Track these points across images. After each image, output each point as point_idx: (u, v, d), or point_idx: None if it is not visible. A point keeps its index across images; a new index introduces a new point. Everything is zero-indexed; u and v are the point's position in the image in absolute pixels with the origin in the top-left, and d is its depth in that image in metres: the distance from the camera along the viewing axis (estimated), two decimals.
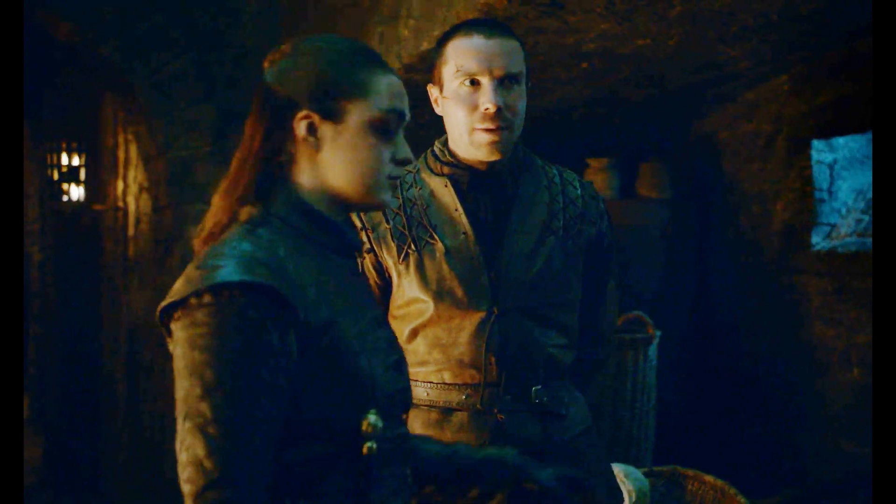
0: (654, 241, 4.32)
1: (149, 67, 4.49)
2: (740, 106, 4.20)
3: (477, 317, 1.80)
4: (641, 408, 3.55)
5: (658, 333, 3.64)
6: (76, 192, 5.77)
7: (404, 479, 1.37)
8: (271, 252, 1.24)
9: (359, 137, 1.32)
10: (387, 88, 1.34)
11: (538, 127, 4.28)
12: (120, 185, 5.90)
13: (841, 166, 3.90)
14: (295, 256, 1.27)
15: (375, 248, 1.86)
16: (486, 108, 1.78)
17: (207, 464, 1.14)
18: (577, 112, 4.21)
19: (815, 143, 3.85)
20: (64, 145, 5.73)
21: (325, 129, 1.32)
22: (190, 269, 1.24)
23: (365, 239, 1.86)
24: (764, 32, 3.18)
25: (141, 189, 5.44)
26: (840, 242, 3.80)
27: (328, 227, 1.34)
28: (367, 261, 1.87)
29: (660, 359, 3.78)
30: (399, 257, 1.84)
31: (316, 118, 1.32)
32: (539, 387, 1.84)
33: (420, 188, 1.88)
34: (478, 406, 1.81)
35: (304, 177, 1.34)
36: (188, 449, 1.15)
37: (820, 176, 3.87)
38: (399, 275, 1.84)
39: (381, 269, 1.87)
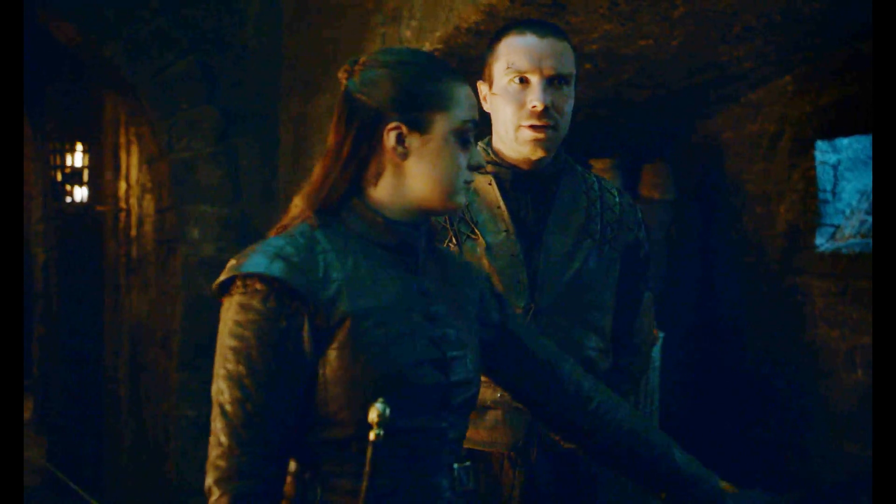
0: (657, 243, 4.31)
1: (151, 68, 4.49)
2: (744, 107, 4.19)
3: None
4: (644, 410, 3.53)
5: (661, 335, 3.63)
6: (79, 194, 5.78)
7: (448, 471, 1.44)
8: (304, 249, 1.35)
9: (443, 146, 1.42)
10: (466, 100, 1.44)
11: None
12: (123, 186, 5.91)
13: (845, 167, 3.88)
14: (330, 254, 1.36)
15: None
16: (534, 106, 1.81)
17: (223, 438, 1.29)
18: (580, 113, 4.17)
19: (819, 143, 3.83)
20: (67, 146, 5.74)
21: (413, 139, 1.41)
22: (232, 259, 1.37)
23: None
24: (767, 33, 3.17)
25: (144, 190, 5.44)
26: (844, 244, 3.78)
27: (384, 228, 1.42)
28: None
29: (663, 360, 3.76)
30: None
31: (404, 129, 1.41)
32: None
33: None
34: (514, 404, 1.79)
35: (384, 185, 1.42)
36: (213, 420, 1.31)
37: (824, 177, 3.85)
38: None
39: None
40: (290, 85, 4.72)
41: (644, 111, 4.22)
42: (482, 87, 1.91)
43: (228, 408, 1.29)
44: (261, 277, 1.31)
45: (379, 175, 1.42)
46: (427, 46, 3.28)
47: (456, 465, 1.46)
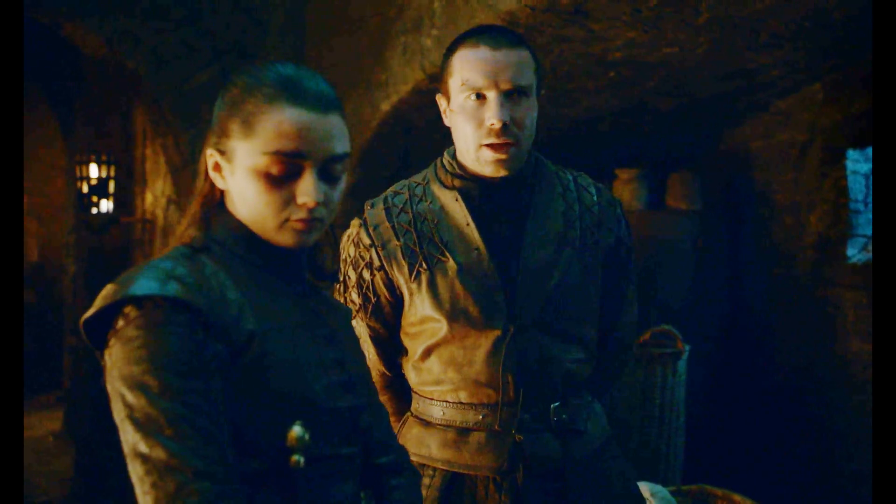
0: (684, 254, 4.24)
1: (175, 79, 4.50)
2: (773, 115, 4.12)
3: (493, 335, 1.74)
4: (670, 424, 3.46)
5: (687, 348, 3.56)
6: (105, 205, 5.81)
7: (354, 501, 1.31)
8: (194, 269, 1.22)
9: (245, 181, 1.25)
10: (275, 127, 1.22)
11: (565, 138, 4.23)
12: (148, 197, 5.93)
13: None
14: (223, 275, 1.24)
15: (385, 265, 1.81)
16: (492, 124, 1.71)
17: (175, 464, 1.10)
18: (605, 122, 4.15)
19: (850, 152, 3.76)
20: (94, 158, 5.78)
21: (225, 167, 1.28)
22: (108, 285, 1.20)
23: (374, 256, 1.82)
24: (796, 40, 3.10)
25: (168, 201, 5.46)
26: None
27: (270, 254, 1.30)
28: (378, 278, 1.82)
29: (689, 374, 3.69)
30: (410, 276, 1.78)
31: (217, 155, 1.28)
32: (558, 404, 1.77)
33: (430, 202, 1.82)
34: (495, 427, 1.75)
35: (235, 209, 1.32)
36: (146, 460, 1.11)
37: (855, 186, 3.78)
38: (411, 293, 1.79)
39: (391, 287, 1.82)
40: None
41: (670, 120, 4.17)
42: (441, 102, 1.82)
43: (169, 431, 1.10)
44: (155, 301, 1.15)
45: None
46: None
47: (362, 494, 1.35)
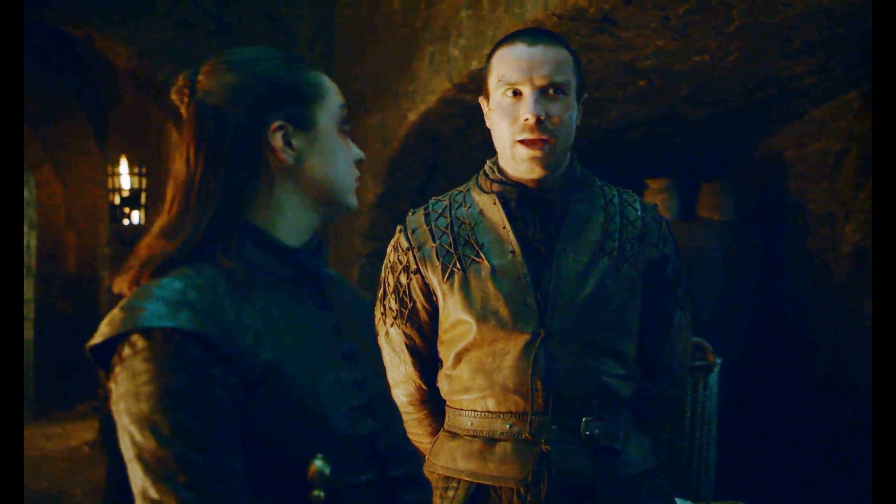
0: (715, 265, 4.18)
1: None
2: (807, 124, 4.05)
3: (522, 339, 1.70)
4: (701, 439, 3.39)
5: (719, 361, 3.49)
6: (137, 216, 5.85)
7: None
8: (207, 291, 1.13)
9: (331, 140, 1.26)
10: (331, 83, 1.29)
11: (595, 148, 4.18)
12: None
13: None
14: (237, 294, 1.15)
15: (421, 267, 1.79)
16: (526, 119, 1.69)
17: None
18: (635, 132, 4.10)
19: None
20: (126, 169, 5.83)
21: (299, 139, 1.23)
22: (114, 310, 1.13)
23: (411, 259, 1.80)
24: (830, 47, 3.04)
25: None
26: None
27: (287, 257, 1.24)
28: (414, 282, 1.80)
29: (721, 387, 3.62)
30: (444, 276, 1.76)
31: (289, 128, 1.22)
32: (590, 418, 1.71)
33: (469, 207, 1.81)
34: (524, 435, 1.70)
35: (274, 201, 1.23)
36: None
37: None
38: (444, 295, 1.76)
39: (427, 292, 1.80)
40: None
41: (702, 129, 4.11)
42: (483, 104, 1.81)
43: (181, 477, 1.03)
44: (165, 332, 1.08)
45: (268, 188, 1.22)
46: (475, 65, 3.24)
47: None
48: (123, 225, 5.77)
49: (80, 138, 8.66)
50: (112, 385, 1.11)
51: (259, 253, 1.21)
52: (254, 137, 1.21)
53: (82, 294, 9.02)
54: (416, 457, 1.41)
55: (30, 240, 8.52)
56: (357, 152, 1.30)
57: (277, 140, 1.22)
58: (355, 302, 1.42)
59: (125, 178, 5.69)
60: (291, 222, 1.25)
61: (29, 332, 8.45)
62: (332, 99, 1.27)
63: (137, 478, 1.07)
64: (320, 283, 1.30)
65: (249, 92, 1.21)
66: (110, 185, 5.78)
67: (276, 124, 1.21)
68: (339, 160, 1.27)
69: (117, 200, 5.71)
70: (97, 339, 1.11)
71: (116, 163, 5.94)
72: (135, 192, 5.74)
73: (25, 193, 8.55)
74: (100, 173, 8.25)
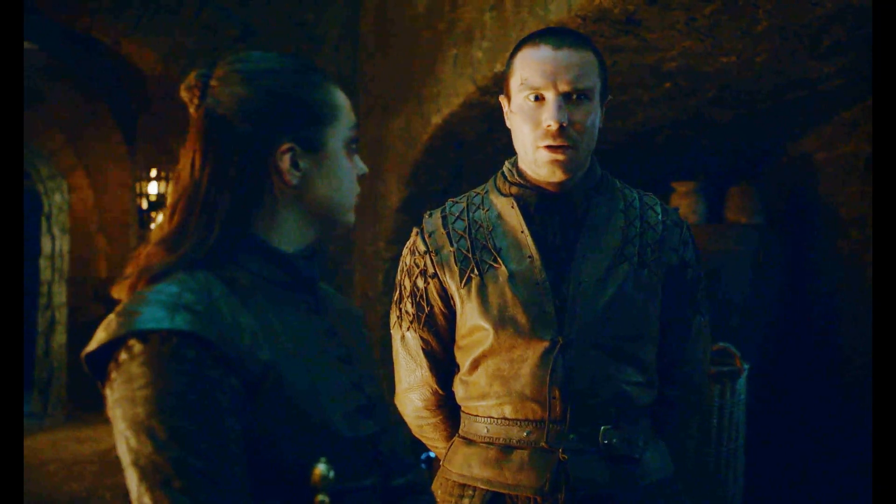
0: (743, 269, 4.12)
1: None
2: (837, 126, 3.99)
3: (540, 346, 1.68)
4: (729, 447, 3.34)
5: (746, 366, 3.44)
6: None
7: None
8: (203, 294, 1.12)
9: (338, 163, 1.25)
10: (346, 102, 1.27)
11: (621, 150, 4.15)
12: None
13: None
14: (233, 297, 1.14)
15: (439, 272, 1.77)
16: (549, 126, 1.66)
17: None
18: (662, 134, 4.06)
19: None
20: (153, 175, 5.87)
21: (305, 161, 1.22)
22: (110, 315, 1.11)
23: (429, 263, 1.78)
24: (860, 48, 2.99)
25: None
26: None
27: (282, 263, 1.23)
28: (432, 286, 1.78)
29: (749, 393, 3.57)
30: (461, 281, 1.74)
31: (298, 150, 1.21)
32: (609, 426, 1.69)
33: (487, 210, 1.78)
34: (541, 444, 1.68)
35: (278, 216, 1.23)
36: None
37: None
38: (461, 300, 1.74)
39: (445, 296, 1.77)
40: (367, 109, 4.71)
41: (729, 131, 4.06)
42: (503, 103, 1.78)
43: (177, 483, 1.01)
44: (161, 335, 1.06)
45: (270, 204, 1.21)
46: (498, 67, 3.22)
47: None
48: (150, 229, 5.83)
49: (111, 144, 8.75)
50: (108, 391, 1.08)
51: (253, 258, 1.20)
52: (261, 156, 1.20)
53: (113, 298, 9.10)
54: (417, 466, 1.40)
55: (62, 245, 8.60)
56: (361, 167, 1.29)
57: (285, 162, 1.20)
58: (348, 312, 1.40)
59: (152, 183, 5.72)
60: (288, 234, 1.24)
61: (62, 337, 8.53)
62: (344, 120, 1.25)
63: (133, 484, 1.04)
64: (315, 288, 1.29)
65: (261, 109, 1.19)
66: (138, 190, 5.82)
67: (285, 146, 1.20)
68: (343, 181, 1.26)
69: (145, 205, 5.75)
70: (93, 345, 1.09)
71: (144, 168, 5.99)
72: (162, 197, 5.78)
73: (58, 198, 8.64)
74: (129, 178, 8.33)
